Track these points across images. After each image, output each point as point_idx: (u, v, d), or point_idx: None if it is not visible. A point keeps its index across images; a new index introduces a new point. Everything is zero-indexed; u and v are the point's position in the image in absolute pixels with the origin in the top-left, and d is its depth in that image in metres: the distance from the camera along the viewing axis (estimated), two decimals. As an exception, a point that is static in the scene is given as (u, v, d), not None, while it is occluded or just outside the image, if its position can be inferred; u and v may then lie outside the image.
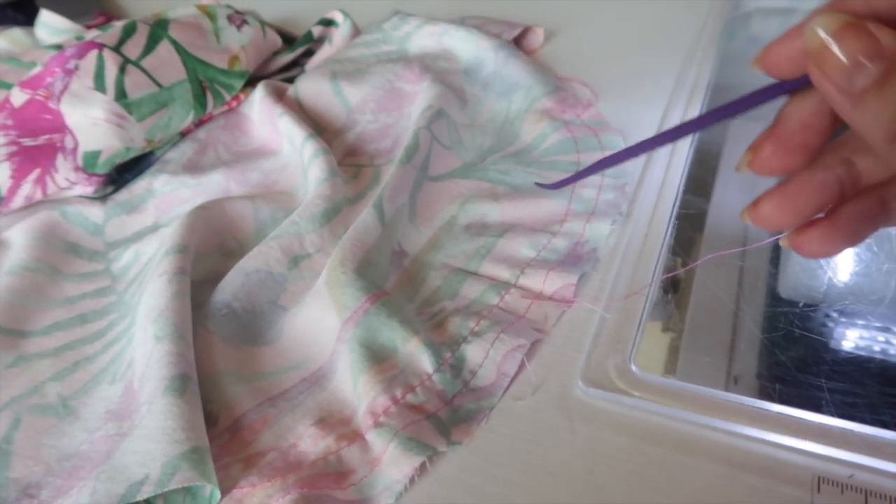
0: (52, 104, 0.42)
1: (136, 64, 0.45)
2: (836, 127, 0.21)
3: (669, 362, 0.33)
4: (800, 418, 0.27)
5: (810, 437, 0.26)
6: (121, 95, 0.43)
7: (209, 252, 0.39)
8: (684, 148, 0.43)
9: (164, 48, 0.46)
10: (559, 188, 0.36)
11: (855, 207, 0.22)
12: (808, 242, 0.23)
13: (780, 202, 0.22)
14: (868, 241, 0.36)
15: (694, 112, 0.46)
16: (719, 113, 0.21)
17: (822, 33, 0.18)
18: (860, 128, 0.18)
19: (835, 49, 0.18)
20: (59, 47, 0.47)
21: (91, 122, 0.42)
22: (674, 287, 0.37)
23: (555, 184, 0.36)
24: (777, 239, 0.38)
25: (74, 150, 0.42)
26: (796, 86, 0.20)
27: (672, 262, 0.37)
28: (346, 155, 0.47)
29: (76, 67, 0.43)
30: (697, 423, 0.28)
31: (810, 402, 0.28)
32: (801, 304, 0.33)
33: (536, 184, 0.39)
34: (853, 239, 0.22)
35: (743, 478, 0.26)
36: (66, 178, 0.43)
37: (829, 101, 0.19)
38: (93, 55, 0.43)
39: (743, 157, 0.22)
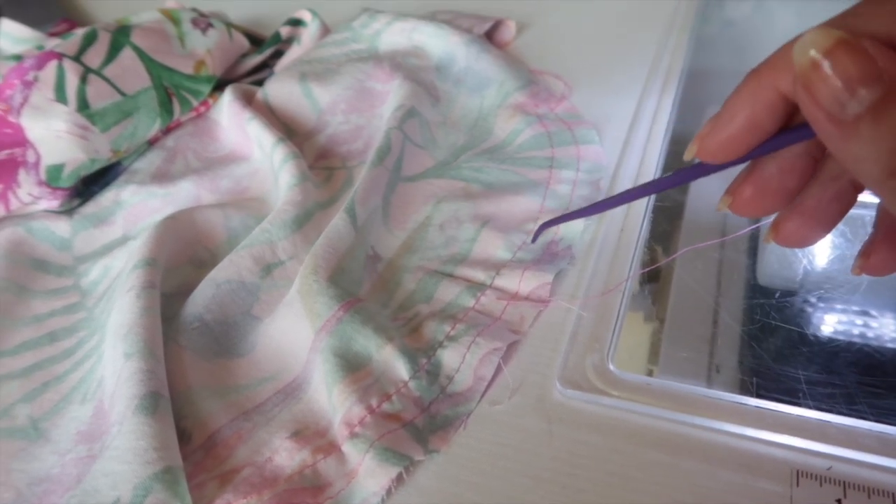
0: (11, 118, 0.41)
1: (98, 73, 0.44)
2: (815, 168, 0.21)
3: (651, 358, 0.33)
4: (778, 412, 0.27)
5: (789, 431, 0.26)
6: (83, 106, 0.42)
7: (180, 264, 0.39)
8: (658, 140, 0.42)
9: (127, 55, 0.45)
10: (549, 227, 0.35)
11: (826, 193, 0.22)
12: (789, 234, 0.22)
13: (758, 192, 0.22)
14: (842, 228, 0.36)
15: (667, 101, 0.46)
16: (697, 171, 0.22)
17: (812, 52, 0.16)
18: (852, 161, 0.17)
19: (826, 70, 0.16)
20: (19, 57, 0.46)
21: (53, 135, 0.41)
22: (654, 281, 0.37)
23: (544, 224, 0.35)
24: (754, 228, 0.38)
25: (37, 163, 0.41)
26: (781, 144, 0.20)
27: (650, 256, 0.37)
28: (318, 158, 0.46)
29: (35, 79, 0.41)
30: (676, 421, 0.28)
31: (789, 394, 0.28)
32: (777, 295, 0.33)
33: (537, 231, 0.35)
34: (832, 223, 0.22)
35: (722, 474, 0.26)
36: (29, 193, 0.42)
37: (817, 130, 0.17)
38: (52, 65, 0.42)
39: (723, 199, 0.22)
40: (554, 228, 0.36)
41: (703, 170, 0.22)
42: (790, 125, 0.20)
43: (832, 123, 0.16)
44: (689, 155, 0.21)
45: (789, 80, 0.18)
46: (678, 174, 0.24)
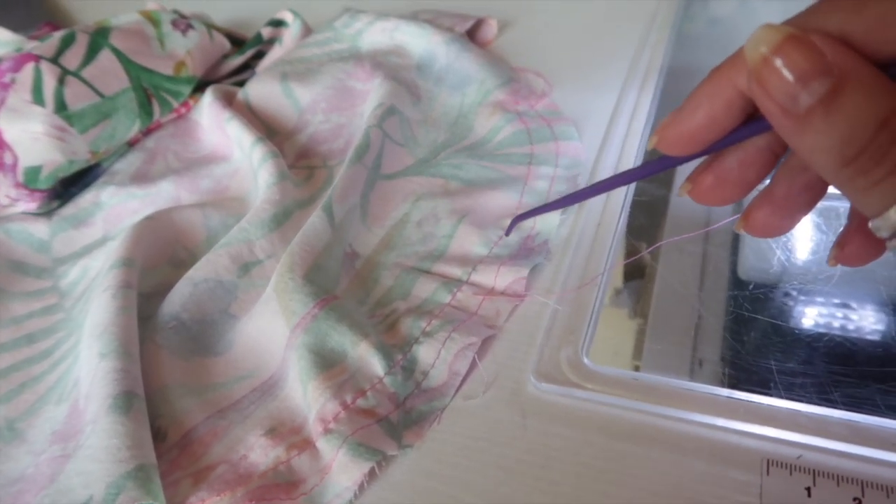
0: (-12, 120, 0.41)
1: (76, 74, 0.44)
2: (776, 164, 0.21)
3: (634, 352, 0.33)
4: (749, 402, 0.27)
5: (759, 421, 0.26)
6: (61, 107, 0.42)
7: (158, 263, 0.39)
8: (637, 136, 0.42)
9: (106, 57, 0.45)
10: (522, 220, 0.35)
11: (796, 182, 0.22)
12: (759, 223, 0.23)
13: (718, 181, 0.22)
14: (817, 219, 0.36)
15: (646, 97, 0.46)
16: (667, 162, 0.22)
17: (763, 48, 0.16)
18: (807, 153, 0.17)
19: (777, 65, 0.16)
20: (-2, 60, 0.46)
21: (31, 137, 0.41)
22: (636, 276, 0.37)
23: (518, 217, 0.35)
24: (731, 221, 0.38)
25: (14, 166, 0.41)
26: (749, 133, 0.20)
27: (629, 251, 0.37)
28: (299, 157, 0.46)
29: (12, 81, 0.41)
30: (648, 413, 0.28)
31: (761, 385, 0.28)
32: (751, 287, 0.33)
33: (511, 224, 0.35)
34: (801, 213, 0.22)
35: (693, 465, 0.26)
36: (6, 195, 0.42)
37: (772, 124, 0.17)
38: (29, 67, 0.42)
39: (683, 185, 0.23)
40: (530, 223, 0.36)
41: (668, 162, 0.22)
42: (749, 121, 0.20)
43: (786, 117, 0.17)
44: (650, 146, 0.21)
45: (745, 77, 0.18)
46: (645, 166, 0.24)
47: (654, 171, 0.24)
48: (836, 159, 0.16)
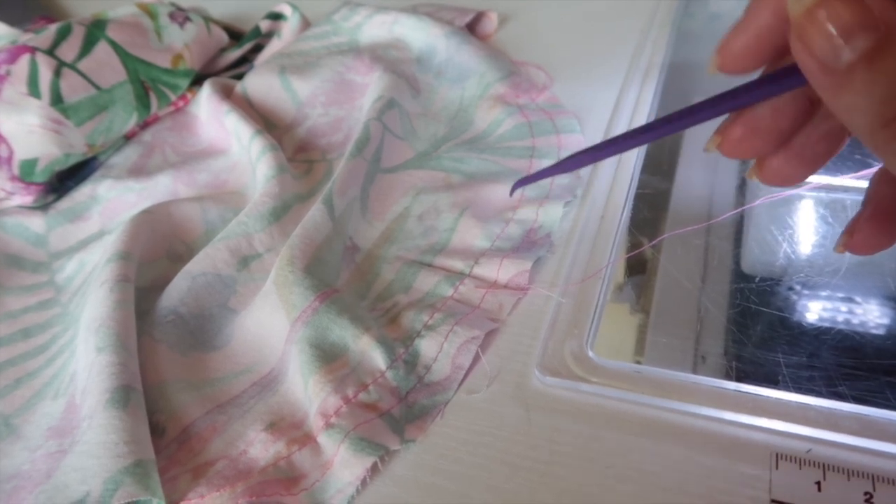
0: (-17, 112, 0.40)
1: (73, 67, 0.43)
2: (811, 112, 0.20)
3: (637, 346, 0.33)
4: (758, 395, 0.26)
5: (768, 414, 0.26)
6: (57, 100, 0.42)
7: (156, 258, 0.38)
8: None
9: (102, 49, 0.45)
10: (527, 184, 0.34)
11: (816, 131, 0.21)
12: (773, 172, 0.21)
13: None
14: (823, 212, 0.36)
15: (648, 92, 0.45)
16: (686, 116, 0.20)
17: (807, 0, 0.15)
18: (845, 111, 0.16)
19: (820, 17, 0.15)
20: (-8, 53, 0.45)
21: (26, 129, 0.41)
22: (639, 269, 0.36)
23: (521, 180, 0.34)
24: (735, 213, 0.38)
25: (9, 158, 0.41)
26: (779, 88, 0.19)
27: (632, 244, 0.37)
28: (298, 150, 0.46)
29: (8, 73, 0.41)
30: (655, 406, 0.27)
31: (769, 378, 0.28)
32: (756, 279, 0.33)
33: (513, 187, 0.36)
34: (817, 164, 0.21)
35: (701, 459, 0.25)
36: (2, 188, 0.41)
37: (810, 81, 0.16)
38: (25, 59, 0.41)
39: (712, 139, 0.21)
40: (533, 216, 0.36)
41: (687, 120, 0.20)
42: (780, 76, 0.19)
43: (825, 73, 0.16)
44: (711, 70, 0.20)
45: None
46: (662, 125, 0.22)
47: (666, 133, 0.22)
48: (874, 120, 0.16)
